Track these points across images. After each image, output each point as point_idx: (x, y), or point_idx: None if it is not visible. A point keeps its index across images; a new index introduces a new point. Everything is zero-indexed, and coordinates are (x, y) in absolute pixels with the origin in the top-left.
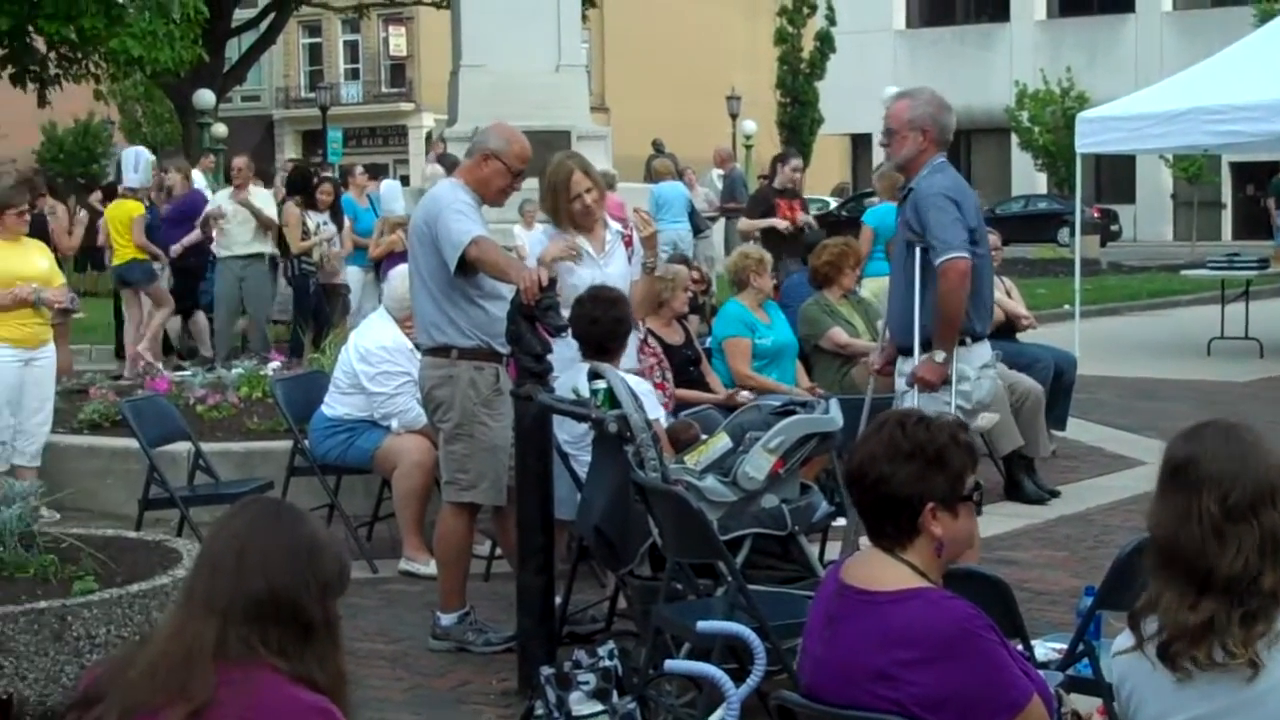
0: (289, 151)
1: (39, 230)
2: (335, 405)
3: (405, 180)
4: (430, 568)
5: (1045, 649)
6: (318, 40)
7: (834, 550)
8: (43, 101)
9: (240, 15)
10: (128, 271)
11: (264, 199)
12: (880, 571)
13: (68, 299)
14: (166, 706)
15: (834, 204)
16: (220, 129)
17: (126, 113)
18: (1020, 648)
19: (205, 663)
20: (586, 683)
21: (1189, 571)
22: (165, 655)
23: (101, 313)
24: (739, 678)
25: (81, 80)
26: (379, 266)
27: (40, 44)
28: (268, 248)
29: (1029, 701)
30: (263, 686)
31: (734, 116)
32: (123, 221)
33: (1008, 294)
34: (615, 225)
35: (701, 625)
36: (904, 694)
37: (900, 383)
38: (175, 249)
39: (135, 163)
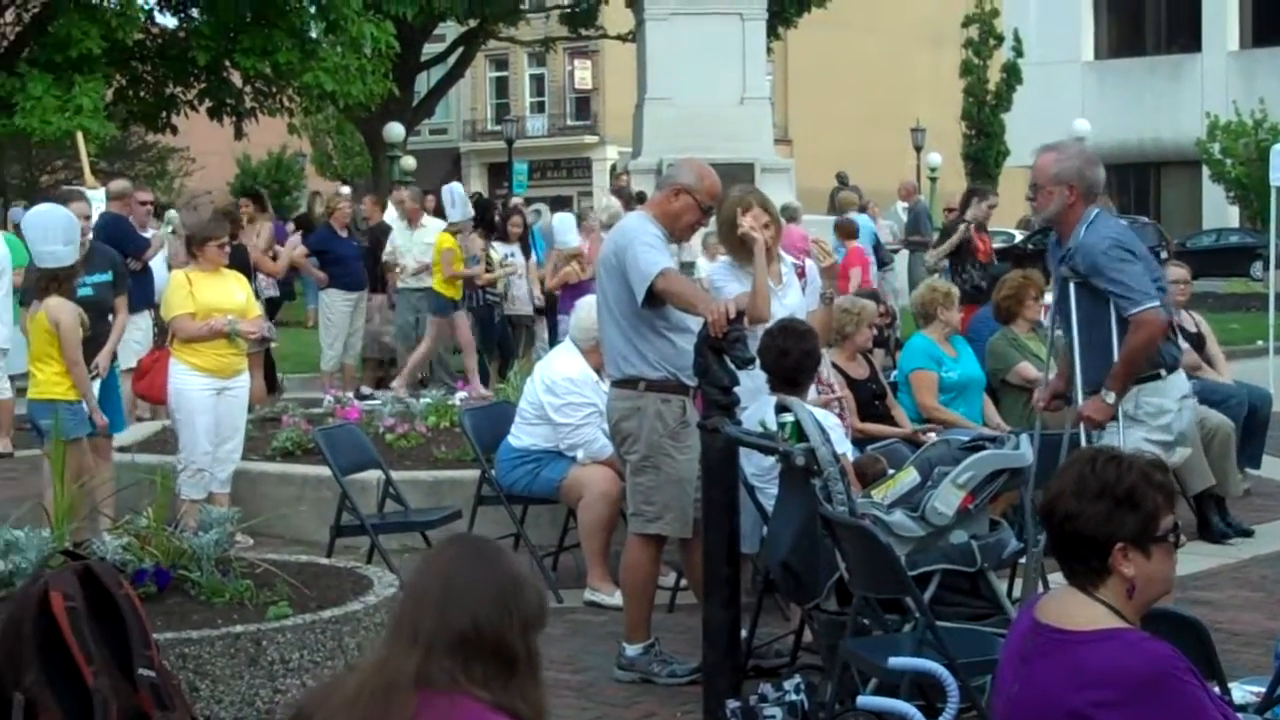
0: (474, 184)
1: (240, 261)
2: (522, 435)
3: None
4: (615, 598)
5: (1243, 692)
6: (504, 74)
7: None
8: (239, 134)
9: (429, 50)
10: (430, 300)
11: (439, 229)
12: (1075, 610)
13: (263, 329)
14: None
15: (1019, 237)
16: (409, 162)
17: (318, 145)
18: (1218, 691)
19: (406, 692)
20: (772, 717)
21: None
22: (368, 684)
23: (292, 342)
24: (927, 715)
25: (276, 114)
26: (550, 299)
27: (237, 78)
28: (425, 279)
29: None
30: (465, 712)
31: (918, 149)
32: (437, 251)
33: (1197, 327)
34: (789, 258)
35: (893, 661)
36: None
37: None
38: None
39: (452, 198)
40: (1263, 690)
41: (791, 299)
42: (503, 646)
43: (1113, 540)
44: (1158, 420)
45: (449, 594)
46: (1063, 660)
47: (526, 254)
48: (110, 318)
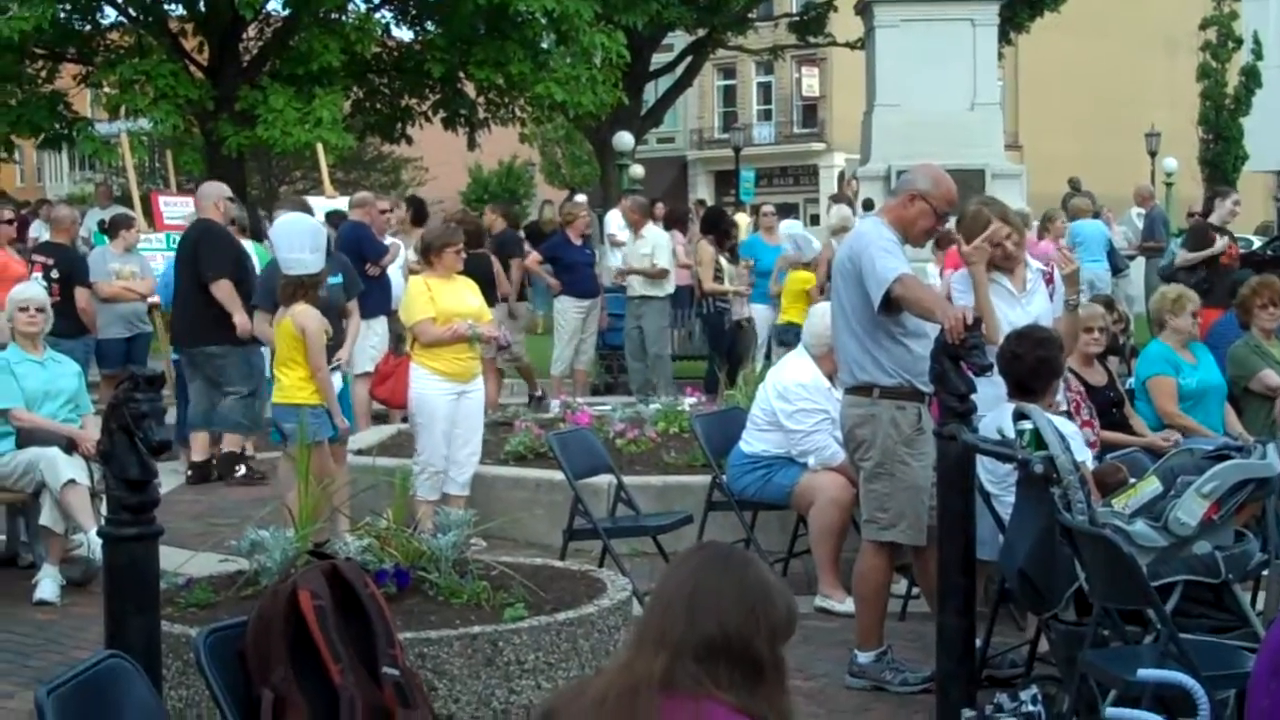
0: (701, 192)
1: (484, 271)
2: (753, 441)
3: (815, 219)
4: (846, 605)
5: None
6: (732, 82)
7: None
8: (472, 144)
9: (658, 59)
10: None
11: (658, 238)
12: None
13: (502, 335)
14: None
15: (1258, 243)
16: (637, 170)
17: (547, 155)
18: None
19: (651, 695)
20: None
21: None
22: (614, 686)
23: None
24: None
25: (507, 123)
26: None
27: (470, 89)
28: (661, 290)
29: None
30: (711, 716)
31: (1153, 154)
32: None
33: None
34: (1036, 264)
35: (1142, 673)
36: None
37: None
38: None
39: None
40: None
41: (1036, 306)
42: (750, 653)
43: None
44: None
45: (697, 600)
46: None
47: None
48: (344, 322)
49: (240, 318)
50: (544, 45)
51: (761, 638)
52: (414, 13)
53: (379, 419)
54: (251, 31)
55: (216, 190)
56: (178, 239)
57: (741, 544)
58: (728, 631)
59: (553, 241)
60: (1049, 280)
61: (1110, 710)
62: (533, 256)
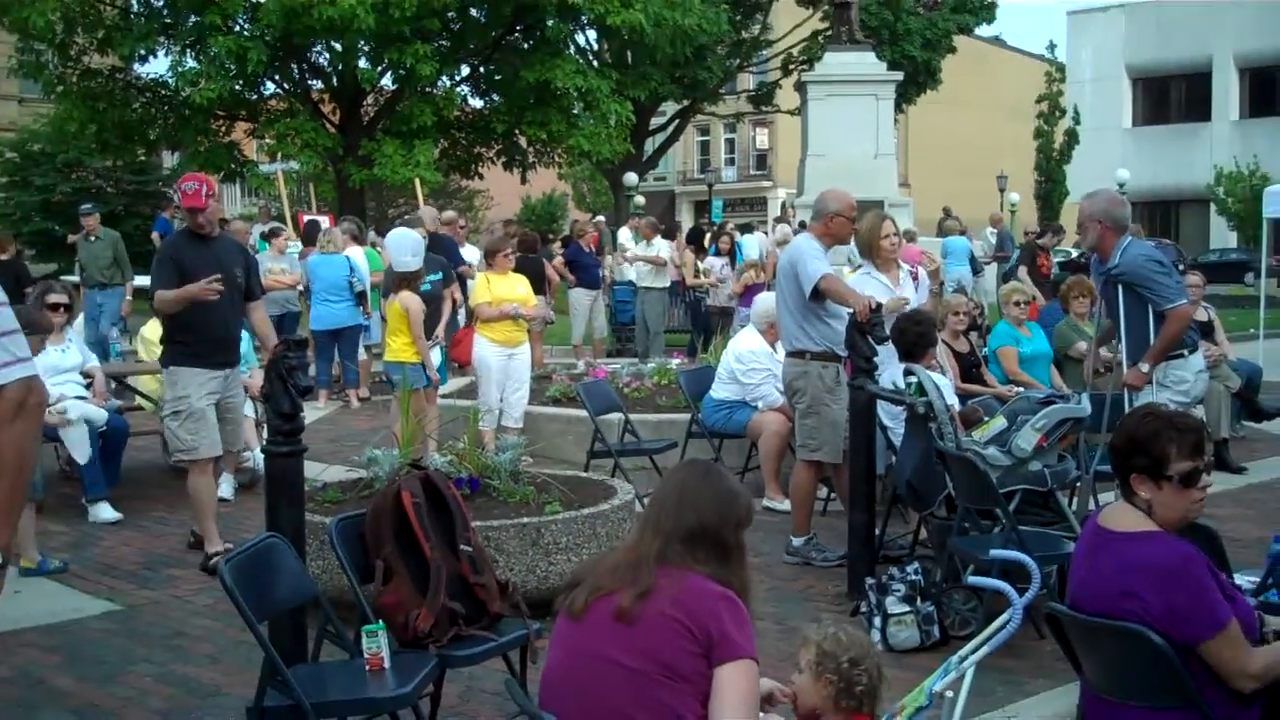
0: (683, 217)
1: (537, 269)
2: (719, 390)
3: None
4: (784, 505)
5: (1242, 580)
6: (707, 138)
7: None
8: (524, 180)
9: (655, 122)
10: None
11: (663, 247)
12: (1123, 517)
13: (539, 314)
14: (621, 590)
15: (1075, 253)
16: (639, 199)
17: (577, 189)
18: (1226, 577)
19: (650, 564)
20: (898, 590)
21: None
22: (624, 558)
23: (560, 324)
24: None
25: (549, 165)
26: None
27: (523, 141)
28: (660, 282)
29: (1229, 622)
30: (689, 579)
31: (1002, 190)
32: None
33: (1209, 318)
34: (906, 266)
35: (993, 552)
36: (1139, 608)
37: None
38: None
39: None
40: (1256, 579)
41: (907, 295)
42: (720, 539)
43: (1129, 470)
44: (1180, 387)
45: (683, 500)
46: (1114, 552)
47: (733, 264)
48: (442, 305)
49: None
50: (575, 111)
51: (729, 528)
52: (484, 87)
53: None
54: (370, 100)
55: (429, 214)
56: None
57: (712, 460)
58: (704, 522)
59: (571, 249)
60: (915, 278)
61: (973, 578)
62: (558, 260)
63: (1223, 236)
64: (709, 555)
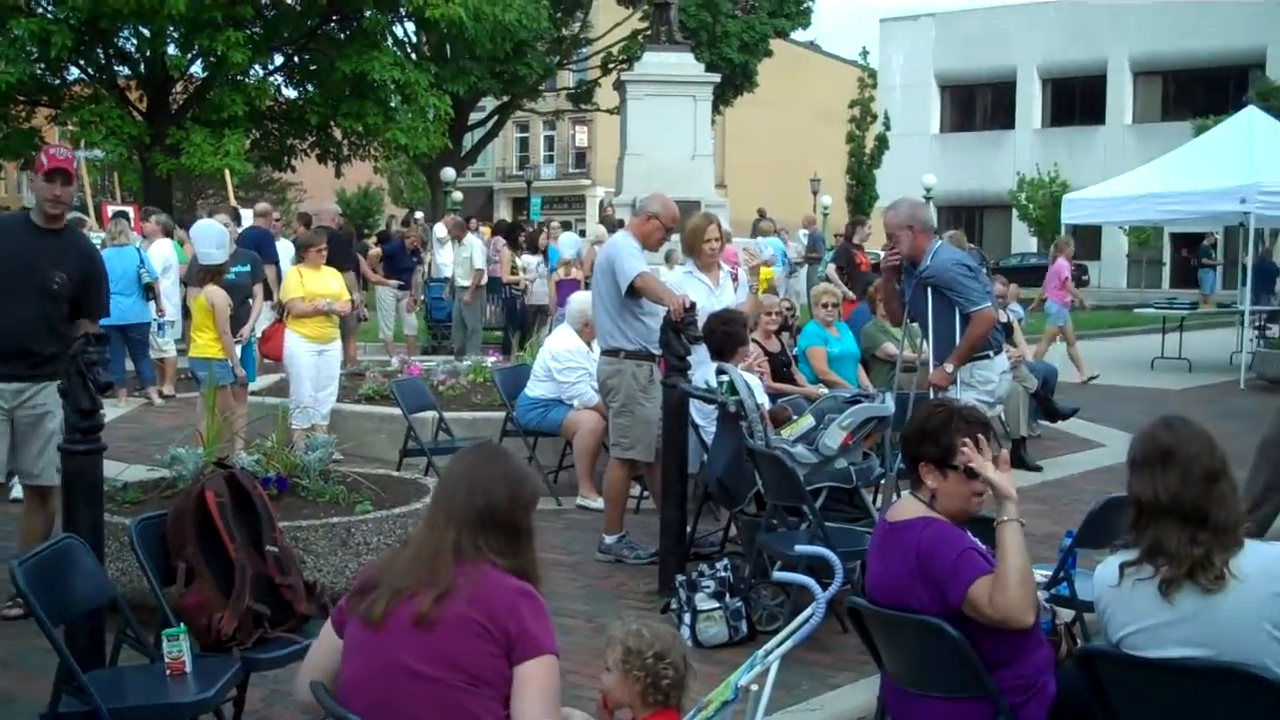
0: (503, 212)
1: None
2: (534, 388)
3: (583, 233)
4: (597, 503)
5: (1037, 574)
6: (526, 135)
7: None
8: (338, 173)
9: (474, 117)
10: None
11: (475, 245)
12: (905, 509)
13: (348, 309)
14: (421, 593)
15: (883, 254)
16: (457, 195)
17: (393, 182)
18: None
19: (447, 560)
20: (708, 587)
21: (1186, 520)
22: (419, 555)
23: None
24: (824, 589)
25: (365, 159)
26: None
27: (338, 134)
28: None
29: (987, 572)
30: (486, 575)
31: (815, 193)
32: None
33: (1009, 320)
34: (726, 267)
35: (798, 548)
36: (921, 592)
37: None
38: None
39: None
40: (1049, 573)
41: (726, 296)
42: (511, 522)
43: (918, 459)
44: (985, 387)
45: (473, 483)
46: (894, 543)
47: (547, 261)
48: (249, 301)
49: None
50: (392, 104)
51: (520, 509)
52: (299, 77)
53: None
54: (179, 87)
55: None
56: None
57: (526, 460)
58: (495, 505)
59: (391, 245)
60: (735, 278)
61: (777, 573)
62: (374, 252)
63: (1024, 241)
64: (501, 541)
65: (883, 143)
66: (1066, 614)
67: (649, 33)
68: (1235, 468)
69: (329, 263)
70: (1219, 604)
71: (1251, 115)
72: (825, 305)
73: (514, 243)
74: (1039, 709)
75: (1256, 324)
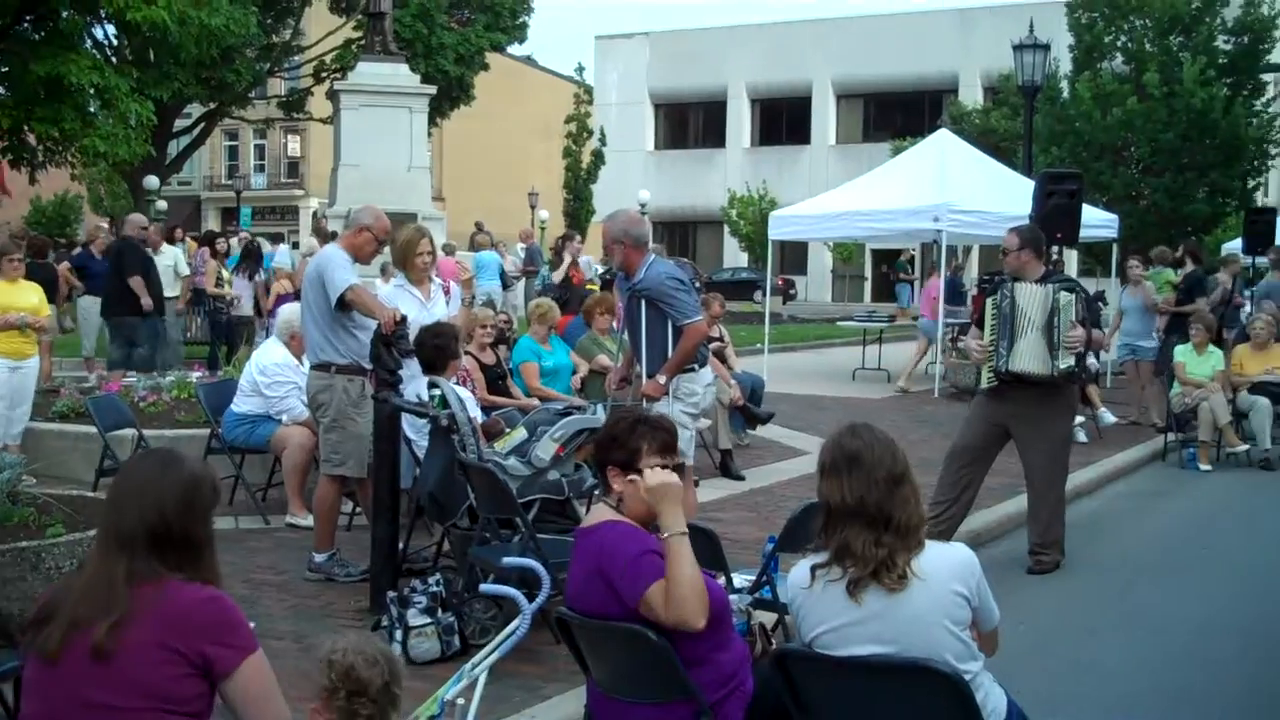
0: (211, 223)
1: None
2: (241, 404)
3: (296, 245)
4: (308, 520)
5: (741, 579)
6: (235, 143)
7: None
8: (33, 180)
9: (179, 124)
10: None
11: (174, 255)
12: (595, 515)
13: (42, 324)
14: (96, 620)
15: (602, 269)
16: (162, 204)
17: (93, 190)
18: (723, 579)
19: (120, 586)
20: (420, 602)
21: (871, 522)
22: (93, 582)
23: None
24: (531, 600)
25: (61, 165)
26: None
27: (32, 138)
28: (174, 290)
29: (656, 578)
30: (168, 593)
31: (533, 207)
32: None
33: (721, 338)
34: (438, 280)
35: (505, 560)
36: (603, 592)
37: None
38: None
39: None
40: (753, 577)
41: (438, 309)
42: (188, 535)
43: (605, 464)
44: (690, 399)
45: (143, 499)
46: (584, 548)
47: (254, 274)
48: None
49: None
50: (91, 109)
51: (198, 520)
52: None
53: None
54: None
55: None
56: None
57: (233, 479)
58: (169, 519)
59: (79, 255)
60: (446, 291)
61: (482, 586)
62: (64, 265)
63: (734, 256)
64: (179, 557)
65: (599, 158)
66: (768, 616)
67: (363, 42)
68: (928, 472)
69: (122, 276)
70: (902, 602)
71: (943, 138)
72: (541, 318)
73: (215, 253)
74: (737, 706)
75: (948, 336)
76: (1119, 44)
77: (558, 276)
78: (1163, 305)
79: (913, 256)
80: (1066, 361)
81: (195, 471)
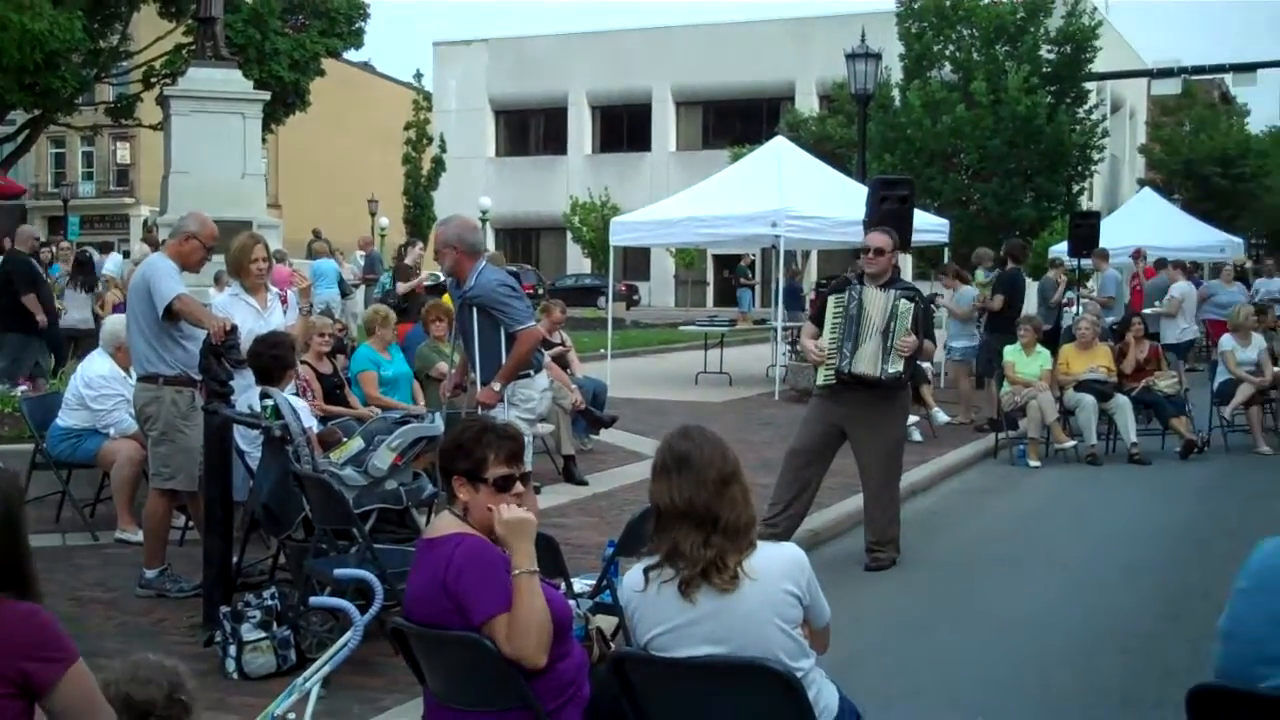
0: (37, 233)
1: None
2: (67, 418)
3: (126, 254)
4: (138, 536)
5: (581, 584)
6: (62, 150)
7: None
8: None
9: (1, 131)
10: None
11: None
12: (439, 525)
13: None
14: None
15: (443, 275)
16: None
17: None
18: (564, 585)
19: None
20: (254, 616)
21: (700, 523)
22: None
23: None
24: (363, 610)
25: None
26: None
27: None
28: None
29: (501, 610)
30: (7, 611)
31: (373, 214)
32: None
33: (563, 344)
34: (274, 289)
35: (338, 572)
36: (445, 605)
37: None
38: None
39: None
40: (593, 582)
41: (274, 318)
42: (13, 560)
43: (451, 473)
44: (527, 405)
45: None
46: (429, 558)
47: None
48: None
49: None
50: None
51: (17, 543)
52: None
53: None
54: None
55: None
56: None
57: (59, 495)
58: None
59: None
60: (284, 300)
61: (313, 599)
62: None
63: (578, 262)
64: (4, 582)
65: (439, 165)
66: (608, 621)
67: (194, 47)
68: (770, 472)
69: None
70: (734, 602)
71: (780, 145)
72: (380, 326)
73: (39, 262)
74: (574, 713)
75: (788, 339)
76: (947, 53)
77: (403, 288)
78: (978, 304)
79: (753, 261)
80: (895, 366)
81: (9, 484)
